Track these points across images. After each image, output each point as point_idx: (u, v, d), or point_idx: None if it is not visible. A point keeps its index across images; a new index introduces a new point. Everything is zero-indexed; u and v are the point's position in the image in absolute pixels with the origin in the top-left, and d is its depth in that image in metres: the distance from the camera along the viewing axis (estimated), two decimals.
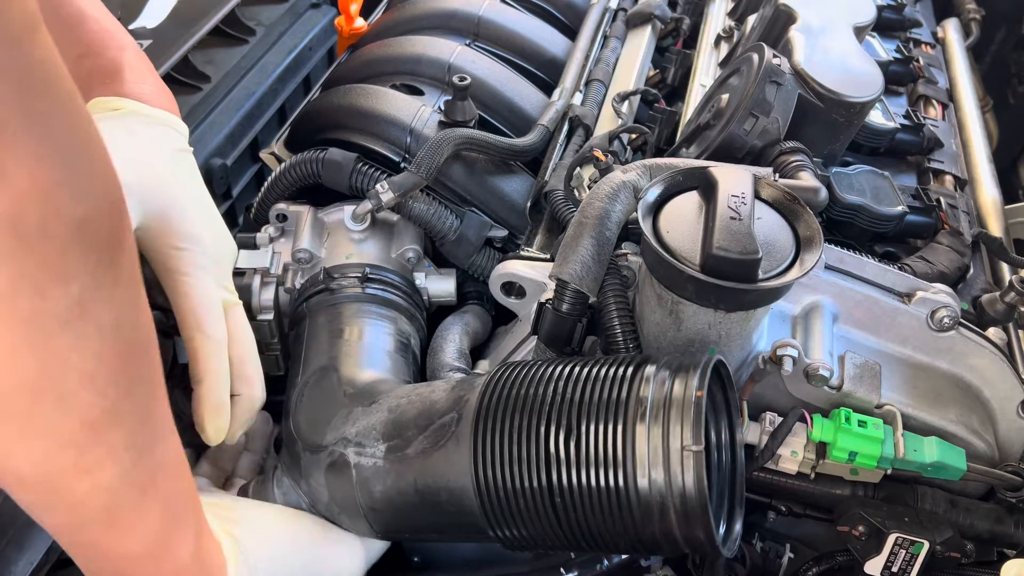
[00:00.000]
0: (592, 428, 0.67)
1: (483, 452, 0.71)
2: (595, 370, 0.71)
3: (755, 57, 0.98)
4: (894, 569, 0.82)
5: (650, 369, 0.69)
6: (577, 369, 0.72)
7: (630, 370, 0.69)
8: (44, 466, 0.52)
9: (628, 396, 0.67)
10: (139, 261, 0.54)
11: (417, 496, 0.75)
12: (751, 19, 1.27)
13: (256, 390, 0.85)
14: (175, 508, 0.62)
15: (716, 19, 1.44)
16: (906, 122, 1.18)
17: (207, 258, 0.82)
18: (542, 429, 0.69)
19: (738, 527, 0.72)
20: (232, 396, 0.81)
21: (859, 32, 1.13)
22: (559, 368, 0.73)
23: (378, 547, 0.84)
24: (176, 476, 0.62)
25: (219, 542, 0.69)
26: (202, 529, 0.67)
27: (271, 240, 1.05)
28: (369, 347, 0.92)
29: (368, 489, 0.77)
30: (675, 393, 0.66)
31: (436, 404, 0.77)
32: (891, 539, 0.81)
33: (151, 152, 0.83)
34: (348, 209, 1.04)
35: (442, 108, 1.10)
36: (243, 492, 0.86)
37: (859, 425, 0.81)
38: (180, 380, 0.91)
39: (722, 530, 0.71)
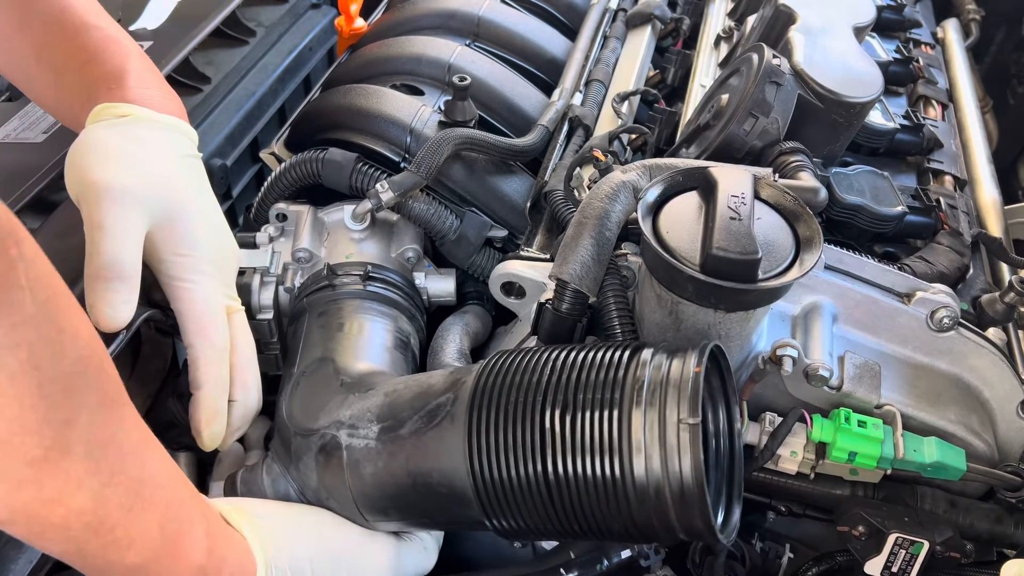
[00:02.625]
0: (588, 406, 0.66)
1: (477, 431, 0.70)
2: (592, 354, 0.70)
3: (755, 57, 0.98)
4: (894, 569, 0.82)
5: (647, 352, 0.69)
6: (575, 353, 0.71)
7: (627, 353, 0.69)
8: (12, 503, 0.52)
9: (625, 376, 0.67)
10: (52, 279, 0.50)
11: (408, 478, 0.73)
12: (751, 19, 1.26)
13: (253, 397, 0.85)
14: (174, 515, 0.61)
15: (716, 19, 1.44)
16: (906, 122, 1.18)
17: (211, 264, 0.82)
18: (538, 408, 0.68)
19: (736, 516, 0.71)
20: (228, 402, 0.81)
21: (859, 32, 1.13)
22: (557, 352, 0.72)
23: (422, 550, 0.83)
24: (167, 484, 0.61)
25: (243, 538, 0.69)
26: (214, 528, 0.66)
27: (271, 240, 1.05)
28: (368, 341, 0.92)
29: (358, 471, 0.75)
30: (672, 373, 0.66)
31: (433, 387, 0.76)
32: (891, 539, 0.81)
33: (158, 158, 0.83)
34: (348, 209, 1.04)
35: (442, 108, 1.10)
36: (231, 481, 0.84)
37: (859, 425, 0.82)
38: (175, 387, 0.91)
39: (720, 518, 0.70)
